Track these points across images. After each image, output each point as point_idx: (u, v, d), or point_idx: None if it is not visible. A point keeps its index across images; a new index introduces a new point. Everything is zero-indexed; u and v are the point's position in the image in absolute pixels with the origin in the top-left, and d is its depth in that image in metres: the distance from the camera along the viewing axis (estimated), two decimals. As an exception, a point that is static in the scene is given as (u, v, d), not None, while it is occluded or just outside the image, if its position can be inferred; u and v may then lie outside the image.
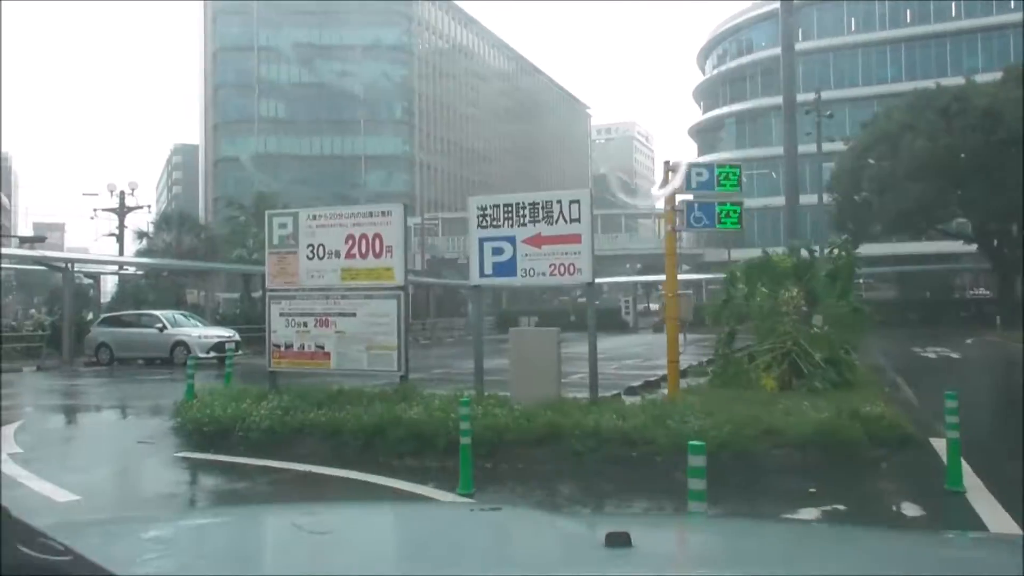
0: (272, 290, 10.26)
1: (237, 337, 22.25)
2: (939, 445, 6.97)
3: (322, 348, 9.81)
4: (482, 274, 9.20)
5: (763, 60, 67.22)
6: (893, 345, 22.81)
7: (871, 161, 36.43)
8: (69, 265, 24.40)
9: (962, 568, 1.46)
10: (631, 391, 12.15)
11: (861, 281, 30.86)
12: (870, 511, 5.84)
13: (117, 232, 37.33)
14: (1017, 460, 6.65)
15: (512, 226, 9.00)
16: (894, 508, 5.90)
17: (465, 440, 6.17)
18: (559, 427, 7.21)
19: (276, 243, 10.21)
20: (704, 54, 76.20)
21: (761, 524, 2.57)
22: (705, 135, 73.20)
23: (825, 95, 41.06)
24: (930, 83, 37.23)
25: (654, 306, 59.18)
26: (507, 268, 9.03)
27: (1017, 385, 13.69)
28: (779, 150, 62.81)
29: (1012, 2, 50.90)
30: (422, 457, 7.38)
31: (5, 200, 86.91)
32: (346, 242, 9.70)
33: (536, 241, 8.86)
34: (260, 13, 70.68)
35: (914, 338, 26.98)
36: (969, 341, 26.57)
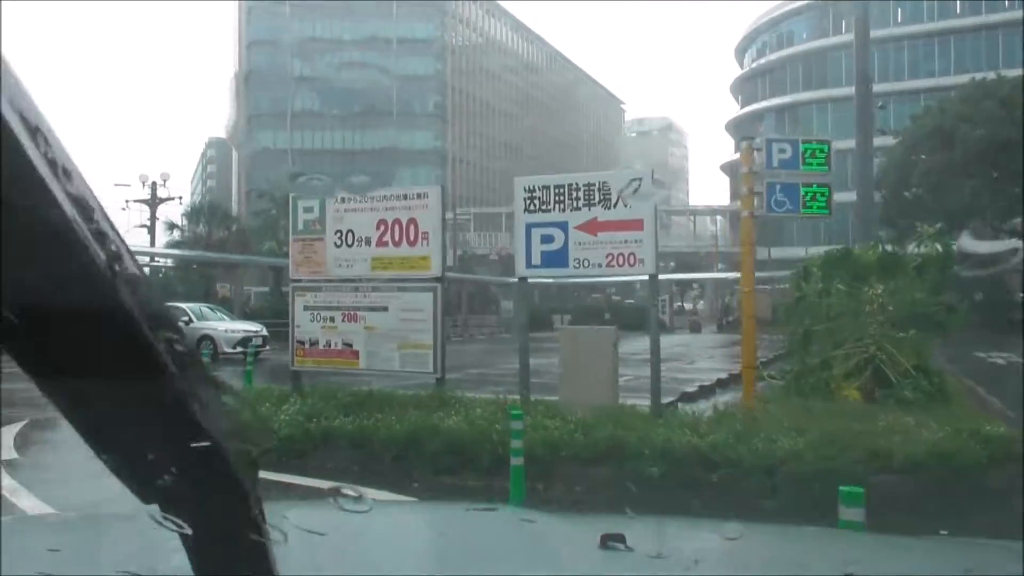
0: (296, 281, 9.34)
1: (265, 332, 21.52)
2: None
3: (350, 346, 8.87)
4: (529, 265, 8.17)
5: (803, 53, 65.41)
6: (954, 350, 21.35)
7: (923, 156, 34.79)
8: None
9: (962, 569, 1.42)
10: (688, 398, 11.08)
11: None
12: None
13: (148, 223, 37.02)
14: None
15: (564, 210, 7.96)
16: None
17: (517, 461, 5.17)
18: (623, 443, 6.16)
19: (301, 228, 9.29)
20: (742, 47, 74.56)
21: (762, 527, 2.37)
22: (743, 129, 71.36)
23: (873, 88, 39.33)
24: (980, 76, 35.45)
25: (687, 305, 57.94)
26: (558, 258, 7.99)
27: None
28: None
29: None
30: (462, 474, 6.39)
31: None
32: (377, 228, 8.74)
33: (591, 227, 7.80)
34: (294, 7, 70.51)
35: (973, 342, 25.35)
36: (1033, 345, 24.92)
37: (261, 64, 71.89)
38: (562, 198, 7.97)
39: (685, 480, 5.75)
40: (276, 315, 27.34)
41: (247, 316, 26.21)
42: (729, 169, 66.18)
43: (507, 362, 20.25)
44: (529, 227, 8.14)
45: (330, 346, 8.98)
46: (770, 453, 5.66)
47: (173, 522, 0.72)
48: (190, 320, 21.02)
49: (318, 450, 7.19)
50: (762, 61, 69.89)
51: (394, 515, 2.01)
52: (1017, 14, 52.58)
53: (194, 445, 0.68)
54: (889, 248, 9.69)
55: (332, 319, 8.99)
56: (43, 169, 0.53)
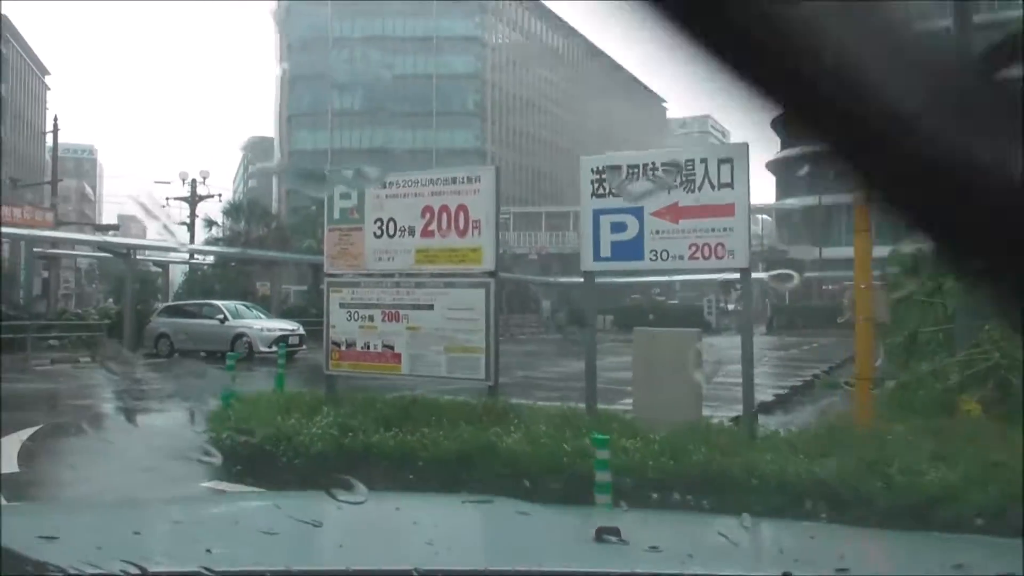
0: (331, 276, 8.38)
1: (301, 331, 20.70)
2: None
3: (391, 348, 7.87)
4: (597, 257, 7.07)
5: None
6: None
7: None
8: (131, 252, 23.30)
9: (962, 569, 1.38)
10: (766, 409, 9.88)
11: None
12: None
13: (188, 221, 36.73)
14: None
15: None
16: None
17: (603, 498, 4.09)
18: (723, 470, 5.04)
19: (337, 217, 8.32)
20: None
21: (757, 522, 2.09)
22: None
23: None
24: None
25: (731, 306, 56.14)
26: (631, 249, 6.89)
27: None
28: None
29: None
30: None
31: (89, 191, 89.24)
32: (423, 215, 7.73)
33: (671, 214, 6.69)
34: (334, 6, 70.43)
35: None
36: None
37: (301, 64, 71.87)
38: (636, 179, 6.87)
39: (805, 518, 4.61)
40: (316, 313, 26.79)
41: (284, 315, 25.50)
42: (775, 167, 64.25)
43: (553, 365, 19.23)
44: (597, 214, 7.05)
45: (369, 348, 8.00)
46: (915, 487, 4.50)
47: None
48: (225, 318, 20.30)
49: (354, 470, 6.15)
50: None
51: (389, 507, 1.98)
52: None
53: None
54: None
55: (371, 318, 8.00)
56: None
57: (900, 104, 0.53)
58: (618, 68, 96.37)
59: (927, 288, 8.20)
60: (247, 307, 22.25)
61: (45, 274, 28.86)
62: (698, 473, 5.08)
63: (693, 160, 6.63)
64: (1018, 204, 0.52)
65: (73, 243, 28.16)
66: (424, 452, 5.98)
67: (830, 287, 44.93)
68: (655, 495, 5.02)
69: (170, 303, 24.09)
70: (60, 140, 37.04)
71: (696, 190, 6.58)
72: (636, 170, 6.89)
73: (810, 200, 47.68)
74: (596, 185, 7.03)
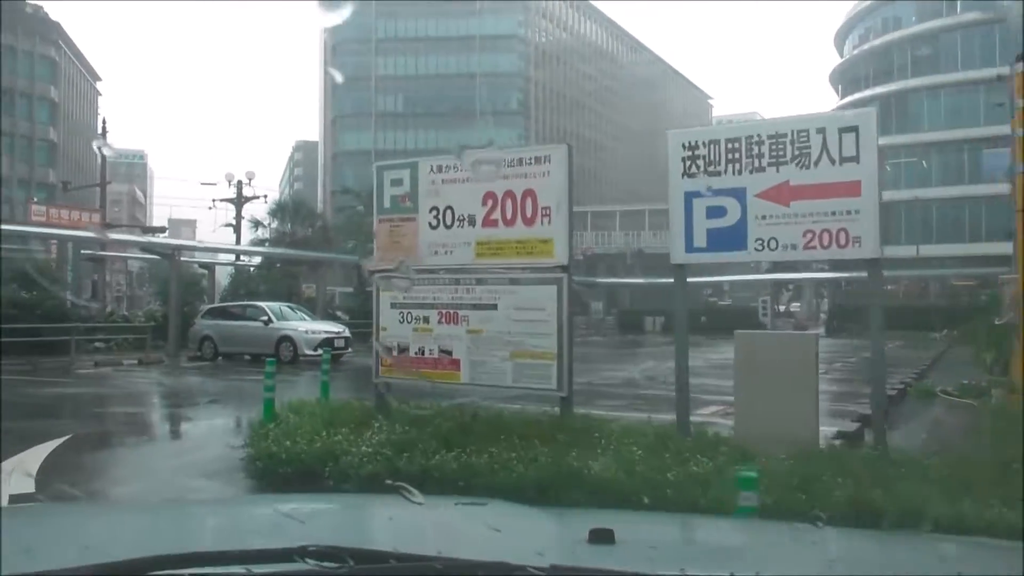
0: (381, 272, 7.51)
1: (347, 333, 19.98)
2: None
3: (449, 353, 6.97)
4: (691, 247, 6.05)
5: (911, 37, 60.94)
6: None
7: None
8: (175, 253, 22.88)
9: (962, 569, 1.35)
10: (869, 422, 8.72)
11: None
12: None
13: (234, 222, 36.51)
14: None
15: (740, 172, 5.83)
16: None
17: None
18: (876, 508, 3.98)
19: (387, 207, 7.44)
20: (843, 34, 70.10)
21: (752, 524, 2.25)
22: (845, 120, 67.24)
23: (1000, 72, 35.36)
24: None
25: (781, 307, 54.17)
26: (730, 238, 5.87)
27: None
28: (930, 136, 56.08)
29: None
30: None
31: (140, 194, 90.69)
32: (484, 203, 6.81)
33: (781, 194, 5.65)
34: (377, 7, 70.39)
35: None
36: None
37: (346, 65, 71.93)
38: (737, 155, 5.85)
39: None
40: (362, 315, 26.18)
41: (329, 316, 24.87)
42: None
43: (610, 369, 18.24)
44: (689, 197, 6.04)
45: (423, 353, 7.11)
46: None
47: None
48: (269, 320, 19.66)
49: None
50: (864, 48, 65.42)
51: (380, 509, 2.00)
52: None
53: None
54: None
55: (426, 319, 7.11)
56: None
57: None
58: (663, 64, 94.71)
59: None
60: (292, 309, 21.59)
61: (96, 277, 28.80)
62: (842, 508, 4.03)
63: (807, 130, 5.58)
64: None
65: (118, 244, 27.92)
66: (494, 477, 5.04)
67: (889, 287, 43.01)
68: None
69: (214, 304, 23.59)
70: (113, 145, 37.11)
71: (812, 165, 5.54)
72: (736, 144, 5.86)
73: (904, 194, 45.71)
74: (688, 163, 6.01)
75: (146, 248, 25.22)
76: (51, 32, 58.61)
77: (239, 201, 36.32)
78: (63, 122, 59.42)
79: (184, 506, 2.62)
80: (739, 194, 5.81)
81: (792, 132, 5.62)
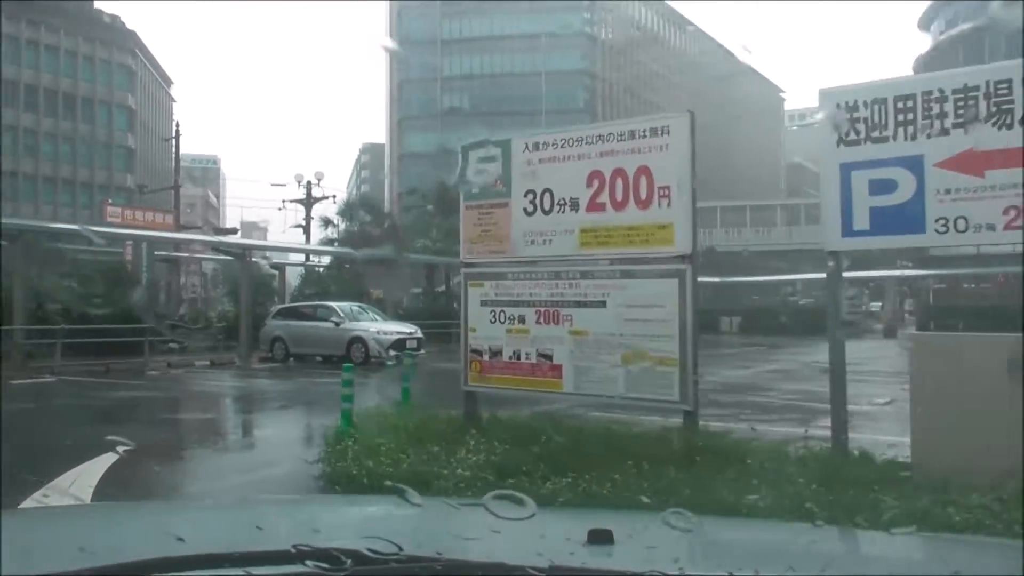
0: (469, 265, 6.63)
1: (419, 334, 19.28)
2: None
3: (548, 358, 6.05)
4: (849, 231, 4.97)
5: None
6: None
7: None
8: (246, 253, 22.63)
9: (962, 569, 1.33)
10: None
11: None
12: None
13: (304, 223, 36.53)
14: None
15: (914, 136, 4.74)
16: None
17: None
18: None
19: (477, 192, 6.57)
20: (929, 17, 66.69)
21: (751, 523, 2.26)
22: (932, 109, 63.92)
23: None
24: None
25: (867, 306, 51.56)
26: (903, 218, 4.78)
27: None
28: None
29: None
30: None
31: (213, 198, 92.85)
32: (589, 184, 5.87)
33: (969, 163, 4.54)
34: (443, 7, 70.33)
35: None
36: None
37: (411, 65, 72.09)
38: (911, 115, 4.75)
39: None
40: (431, 315, 25.57)
41: (400, 317, 24.30)
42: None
43: (710, 374, 17.02)
44: (846, 169, 4.97)
45: (519, 358, 6.21)
46: None
47: None
48: (340, 320, 19.11)
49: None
50: (954, 31, 62.09)
51: (379, 509, 2.03)
52: None
53: None
54: None
55: (521, 319, 6.21)
56: None
57: None
58: (732, 58, 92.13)
59: None
60: (363, 309, 21.04)
61: (169, 278, 29.03)
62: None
63: (1008, 80, 4.45)
64: None
65: (190, 244, 28.01)
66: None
67: (972, 285, 40.26)
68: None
69: (285, 305, 23.26)
70: (187, 151, 37.63)
71: (1015, 124, 4.41)
72: (909, 102, 4.76)
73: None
74: (847, 128, 4.94)
75: (217, 248, 25.09)
76: (128, 41, 60.17)
77: (308, 202, 36.32)
78: (140, 128, 60.93)
79: (183, 507, 2.64)
80: (913, 163, 4.72)
81: (988, 83, 4.50)
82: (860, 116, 4.90)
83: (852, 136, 4.94)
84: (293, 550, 1.12)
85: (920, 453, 4.59)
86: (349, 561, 1.10)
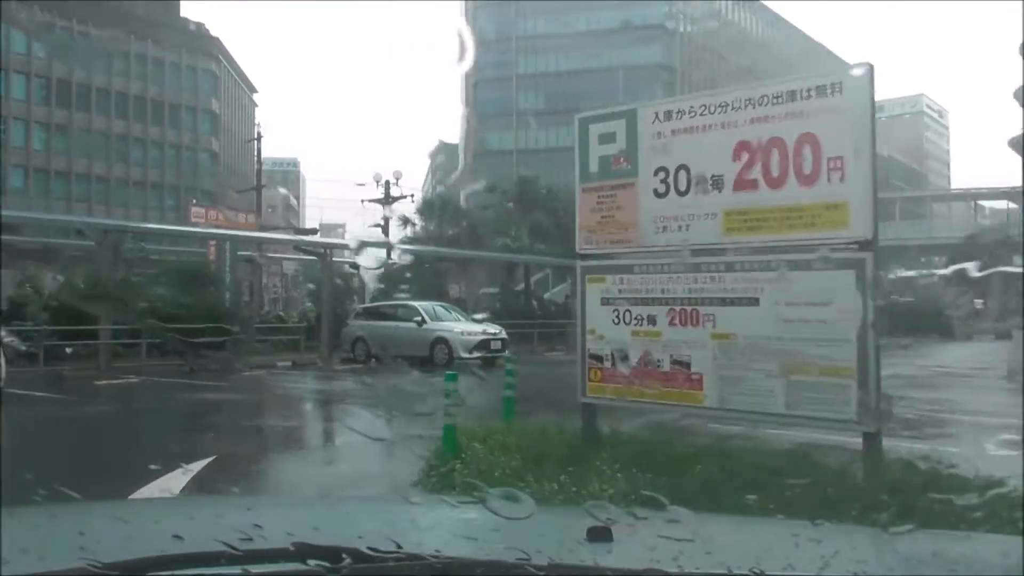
0: (587, 256, 5.73)
1: (504, 334, 18.52)
2: None
3: (685, 366, 5.11)
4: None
5: None
6: None
7: None
8: (327, 252, 22.32)
9: (962, 568, 1.33)
10: None
11: None
12: None
13: (382, 222, 36.40)
14: None
15: None
16: None
17: None
18: None
19: (595, 171, 5.66)
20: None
21: (750, 522, 2.11)
22: (1042, 95, 59.78)
23: None
24: None
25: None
26: None
27: None
28: None
29: None
30: None
31: (293, 200, 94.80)
32: (736, 157, 4.90)
33: None
34: (518, 5, 69.90)
35: None
36: None
37: (486, 64, 71.82)
38: None
39: None
40: (511, 315, 24.84)
41: (486, 318, 23.63)
42: (1022, 144, 55.21)
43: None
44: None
45: (649, 365, 5.27)
46: None
47: None
48: (423, 320, 18.49)
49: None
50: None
51: (378, 509, 1.99)
52: None
53: None
54: None
55: (651, 320, 5.28)
56: None
57: None
58: (816, 46, 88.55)
59: None
60: (445, 308, 20.41)
61: (252, 278, 29.16)
62: None
63: None
64: None
65: (271, 243, 28.09)
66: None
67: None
68: None
69: (367, 304, 22.86)
70: (268, 154, 38.03)
71: None
72: None
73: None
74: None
75: (298, 247, 24.96)
76: (212, 47, 61.71)
77: (388, 200, 36.13)
78: (223, 132, 62.37)
79: (182, 505, 2.64)
80: None
81: None
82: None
83: None
84: (292, 548, 1.12)
85: None
86: (348, 559, 1.10)
